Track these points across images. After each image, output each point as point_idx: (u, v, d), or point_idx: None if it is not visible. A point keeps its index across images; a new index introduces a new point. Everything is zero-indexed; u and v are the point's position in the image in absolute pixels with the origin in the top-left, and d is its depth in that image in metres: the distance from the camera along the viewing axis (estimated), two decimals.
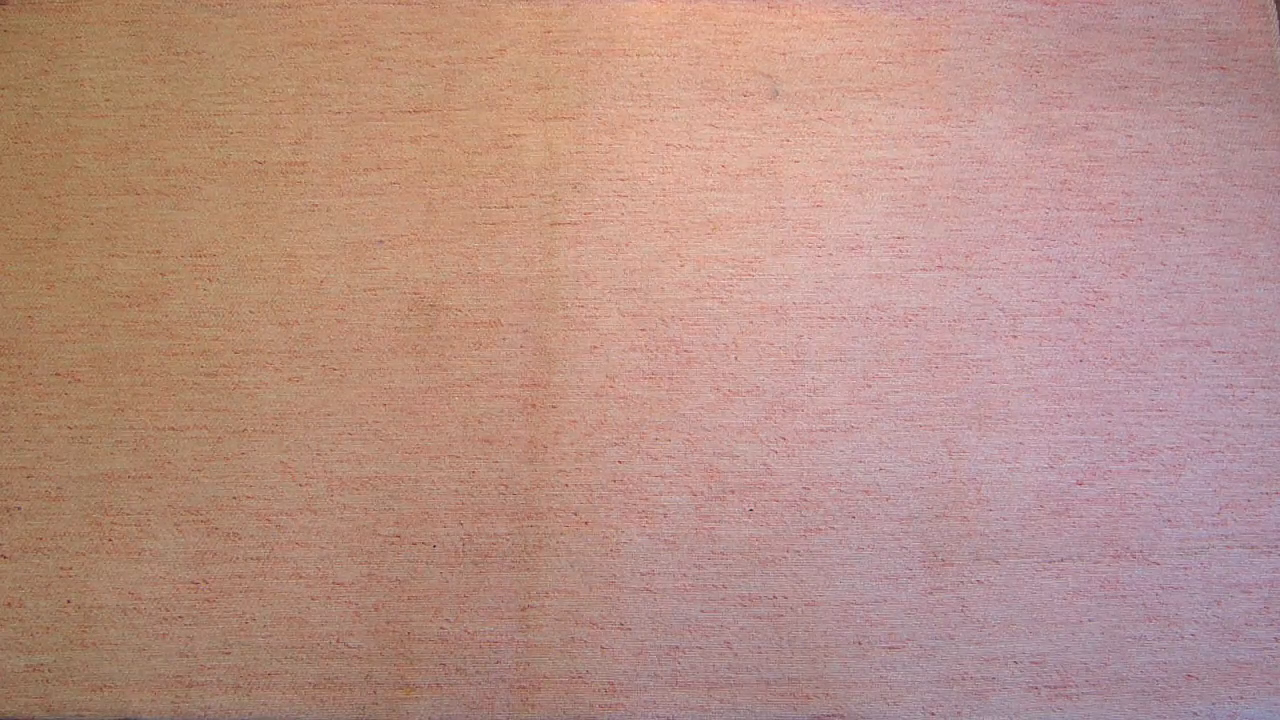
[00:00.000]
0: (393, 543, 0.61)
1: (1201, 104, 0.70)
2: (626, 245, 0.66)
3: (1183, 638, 0.61)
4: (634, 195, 0.67)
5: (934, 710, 0.60)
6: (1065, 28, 0.71)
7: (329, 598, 0.61)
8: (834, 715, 0.60)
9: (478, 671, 0.60)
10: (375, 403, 0.64)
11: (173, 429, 0.64)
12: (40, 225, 0.67)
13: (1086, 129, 0.69)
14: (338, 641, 0.60)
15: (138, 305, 0.66)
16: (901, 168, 0.69)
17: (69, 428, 0.64)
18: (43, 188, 0.68)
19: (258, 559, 0.61)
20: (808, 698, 0.60)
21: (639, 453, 0.63)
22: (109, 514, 0.62)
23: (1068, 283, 0.67)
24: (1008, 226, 0.68)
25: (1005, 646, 0.61)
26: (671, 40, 0.71)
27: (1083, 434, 0.64)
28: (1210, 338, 0.66)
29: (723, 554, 0.62)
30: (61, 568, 0.61)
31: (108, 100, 0.69)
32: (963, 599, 0.61)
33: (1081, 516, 0.63)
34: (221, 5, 0.71)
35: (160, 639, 0.59)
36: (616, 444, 0.63)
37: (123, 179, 0.68)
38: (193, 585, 0.60)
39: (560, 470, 0.62)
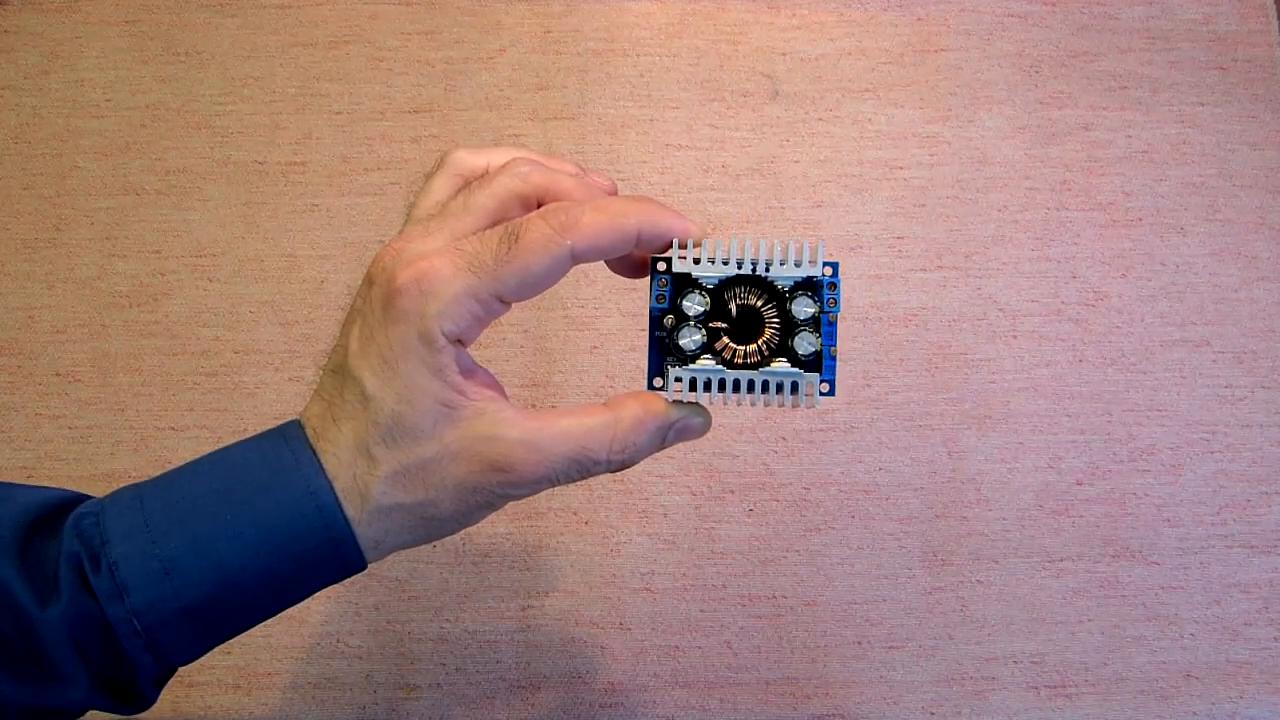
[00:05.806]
0: None
1: (1201, 104, 0.70)
2: None
3: (1182, 637, 0.61)
4: None
5: (934, 710, 0.60)
6: (1065, 28, 0.71)
7: (329, 597, 0.61)
8: (834, 715, 0.60)
9: (478, 671, 0.60)
10: None
11: (173, 429, 0.64)
12: (40, 225, 0.67)
13: (1086, 129, 0.69)
14: (338, 641, 0.60)
15: (138, 305, 0.66)
16: (901, 168, 0.69)
17: (69, 428, 0.64)
18: (43, 188, 0.68)
19: None
20: (808, 697, 0.60)
21: None
22: None
23: (1068, 283, 0.67)
24: (1008, 226, 0.68)
25: (1005, 646, 0.61)
26: (671, 40, 0.71)
27: (1082, 434, 0.64)
28: (1210, 338, 0.66)
29: (723, 554, 0.62)
30: None
31: (108, 100, 0.69)
32: (963, 599, 0.61)
33: (1081, 516, 0.63)
34: (221, 5, 0.71)
35: None
36: None
37: (123, 179, 0.68)
38: None
39: None
